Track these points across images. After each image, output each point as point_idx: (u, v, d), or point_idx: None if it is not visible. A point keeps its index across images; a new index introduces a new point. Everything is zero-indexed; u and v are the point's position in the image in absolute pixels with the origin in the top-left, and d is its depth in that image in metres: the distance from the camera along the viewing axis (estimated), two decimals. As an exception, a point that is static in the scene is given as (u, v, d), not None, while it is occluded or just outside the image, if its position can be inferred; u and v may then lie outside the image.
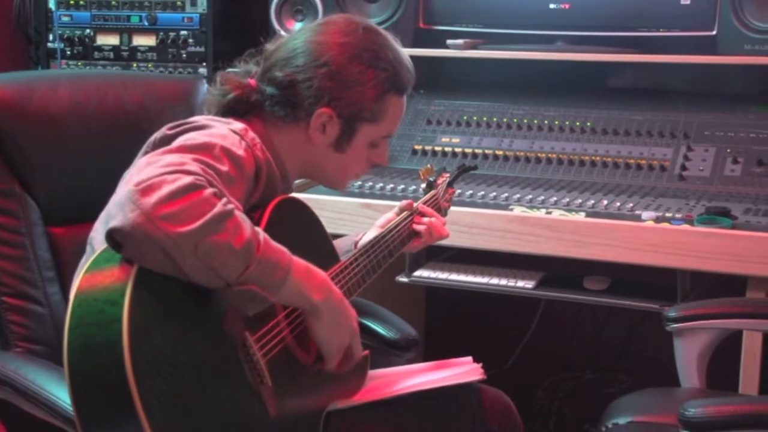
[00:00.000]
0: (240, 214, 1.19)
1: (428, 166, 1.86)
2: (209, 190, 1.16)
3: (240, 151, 1.31)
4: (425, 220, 1.71)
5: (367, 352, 1.55)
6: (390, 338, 1.75)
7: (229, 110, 1.50)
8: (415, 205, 1.71)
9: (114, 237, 1.12)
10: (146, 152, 1.36)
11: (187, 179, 1.15)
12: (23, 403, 1.40)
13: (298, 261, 1.27)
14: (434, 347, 2.77)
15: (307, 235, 1.50)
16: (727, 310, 1.81)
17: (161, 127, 1.39)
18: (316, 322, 1.32)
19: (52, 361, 1.49)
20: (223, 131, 1.34)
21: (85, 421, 1.09)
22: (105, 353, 1.07)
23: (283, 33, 2.40)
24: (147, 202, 1.11)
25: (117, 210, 1.12)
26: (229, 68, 1.57)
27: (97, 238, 1.43)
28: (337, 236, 1.70)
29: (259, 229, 1.21)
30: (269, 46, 1.54)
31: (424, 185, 1.85)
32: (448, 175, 1.90)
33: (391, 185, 2.32)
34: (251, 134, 1.38)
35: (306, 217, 1.52)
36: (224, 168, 1.26)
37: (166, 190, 1.12)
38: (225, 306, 1.22)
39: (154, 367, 1.09)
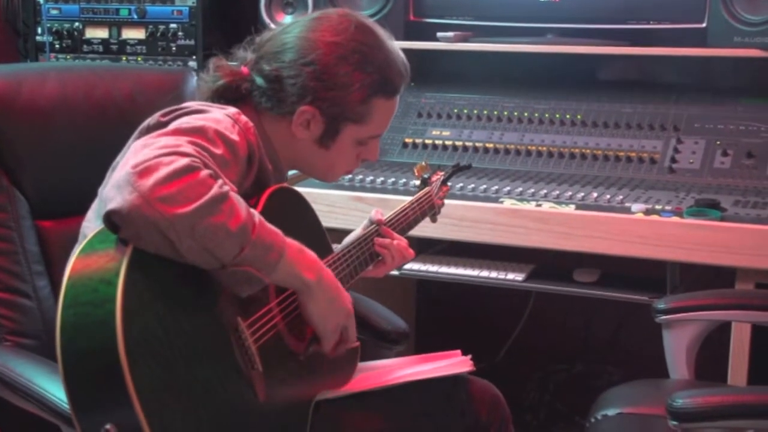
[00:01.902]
0: (235, 196, 1.19)
1: (423, 163, 1.85)
2: (205, 172, 1.16)
3: (233, 136, 1.31)
4: (386, 242, 1.62)
5: (357, 343, 1.56)
6: (380, 331, 1.75)
7: (219, 97, 1.50)
8: (385, 218, 1.65)
9: (112, 219, 1.13)
10: (138, 138, 1.35)
11: (183, 161, 1.15)
12: (12, 397, 1.40)
13: (291, 242, 1.28)
14: (424, 340, 2.77)
15: (301, 225, 1.50)
16: (716, 301, 1.81)
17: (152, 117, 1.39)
18: (310, 302, 1.33)
19: (41, 355, 1.49)
20: (217, 115, 1.34)
21: (76, 401, 1.09)
22: (97, 332, 1.07)
23: (272, 26, 2.39)
24: (144, 184, 1.11)
25: (115, 192, 1.13)
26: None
27: (90, 226, 1.42)
28: (327, 229, 1.70)
29: (254, 211, 1.22)
30: (264, 36, 1.54)
31: (418, 182, 1.84)
32: (442, 173, 1.89)
33: (382, 178, 2.32)
34: (245, 118, 1.38)
35: (301, 207, 1.52)
36: (218, 151, 1.26)
37: (163, 172, 1.13)
38: (218, 290, 1.22)
39: (146, 347, 1.09)
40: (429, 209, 1.79)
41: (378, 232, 1.63)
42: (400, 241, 1.64)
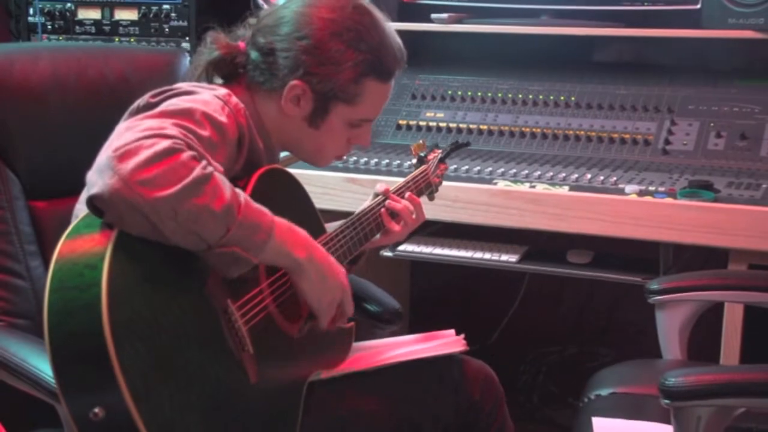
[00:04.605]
0: (220, 176, 1.19)
1: (420, 141, 1.84)
2: (187, 154, 1.16)
3: (222, 117, 1.31)
4: (397, 206, 1.63)
5: (352, 324, 1.56)
6: (374, 311, 1.75)
7: (213, 69, 1.50)
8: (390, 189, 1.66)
9: (94, 203, 1.12)
10: (128, 119, 1.35)
11: (164, 143, 1.14)
12: (5, 376, 1.40)
13: (281, 221, 1.27)
14: (418, 321, 2.78)
15: (292, 206, 1.49)
16: (709, 282, 1.82)
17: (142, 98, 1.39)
18: (302, 281, 1.33)
19: (35, 335, 1.49)
20: (206, 97, 1.34)
21: (64, 384, 1.09)
22: (84, 316, 1.07)
23: (266, 7, 2.38)
24: (124, 167, 1.11)
25: (96, 176, 1.13)
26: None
27: (83, 208, 1.41)
28: (321, 211, 1.69)
29: (239, 191, 1.21)
30: (263, 11, 1.54)
31: (414, 160, 1.84)
32: (440, 151, 1.88)
33: (376, 160, 2.32)
34: (235, 100, 1.38)
35: (292, 188, 1.52)
36: (205, 133, 1.25)
37: (143, 155, 1.12)
38: (207, 272, 1.22)
39: (132, 330, 1.09)
40: (425, 188, 1.79)
41: (383, 204, 1.63)
42: (408, 204, 1.64)
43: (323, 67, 1.45)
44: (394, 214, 1.64)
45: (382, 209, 1.63)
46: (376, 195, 1.66)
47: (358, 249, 1.59)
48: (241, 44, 1.51)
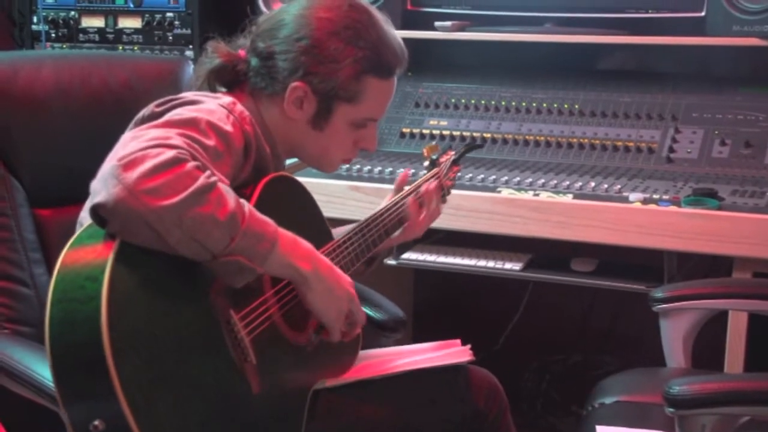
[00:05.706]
0: (224, 186, 1.19)
1: (432, 144, 1.84)
2: (192, 164, 1.16)
3: (227, 126, 1.31)
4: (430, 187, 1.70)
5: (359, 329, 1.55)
6: (378, 320, 1.75)
7: (215, 78, 1.50)
8: (390, 202, 1.68)
9: (98, 213, 1.12)
10: (133, 128, 1.35)
11: (169, 153, 1.15)
12: (9, 383, 1.40)
13: (285, 232, 1.27)
14: (422, 329, 2.78)
15: (299, 214, 1.49)
16: (713, 290, 1.82)
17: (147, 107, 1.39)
18: (308, 293, 1.33)
19: (39, 343, 1.49)
20: (211, 106, 1.34)
21: (65, 395, 1.09)
22: (84, 329, 1.07)
23: (265, 12, 2.38)
24: (129, 176, 1.11)
25: (101, 186, 1.13)
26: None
27: (87, 217, 1.42)
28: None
29: (244, 201, 1.22)
30: (262, 17, 1.54)
31: (426, 163, 1.83)
32: (453, 153, 1.87)
33: (379, 168, 2.32)
34: (240, 108, 1.38)
35: (299, 195, 1.52)
36: (211, 143, 1.26)
37: (148, 164, 1.12)
38: (209, 283, 1.22)
39: (132, 343, 1.09)
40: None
41: (394, 206, 1.66)
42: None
43: (323, 66, 1.45)
44: (422, 202, 1.68)
45: (410, 198, 1.66)
46: (397, 191, 1.69)
47: (366, 255, 1.59)
48: (242, 52, 1.51)
